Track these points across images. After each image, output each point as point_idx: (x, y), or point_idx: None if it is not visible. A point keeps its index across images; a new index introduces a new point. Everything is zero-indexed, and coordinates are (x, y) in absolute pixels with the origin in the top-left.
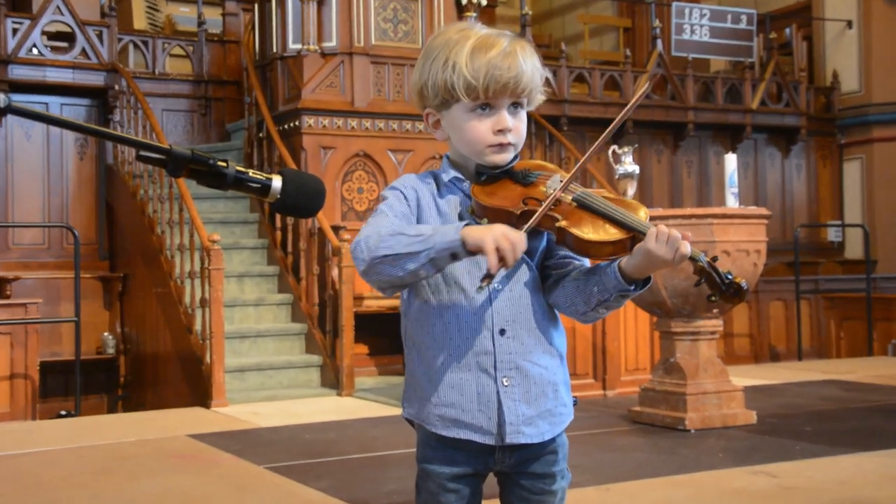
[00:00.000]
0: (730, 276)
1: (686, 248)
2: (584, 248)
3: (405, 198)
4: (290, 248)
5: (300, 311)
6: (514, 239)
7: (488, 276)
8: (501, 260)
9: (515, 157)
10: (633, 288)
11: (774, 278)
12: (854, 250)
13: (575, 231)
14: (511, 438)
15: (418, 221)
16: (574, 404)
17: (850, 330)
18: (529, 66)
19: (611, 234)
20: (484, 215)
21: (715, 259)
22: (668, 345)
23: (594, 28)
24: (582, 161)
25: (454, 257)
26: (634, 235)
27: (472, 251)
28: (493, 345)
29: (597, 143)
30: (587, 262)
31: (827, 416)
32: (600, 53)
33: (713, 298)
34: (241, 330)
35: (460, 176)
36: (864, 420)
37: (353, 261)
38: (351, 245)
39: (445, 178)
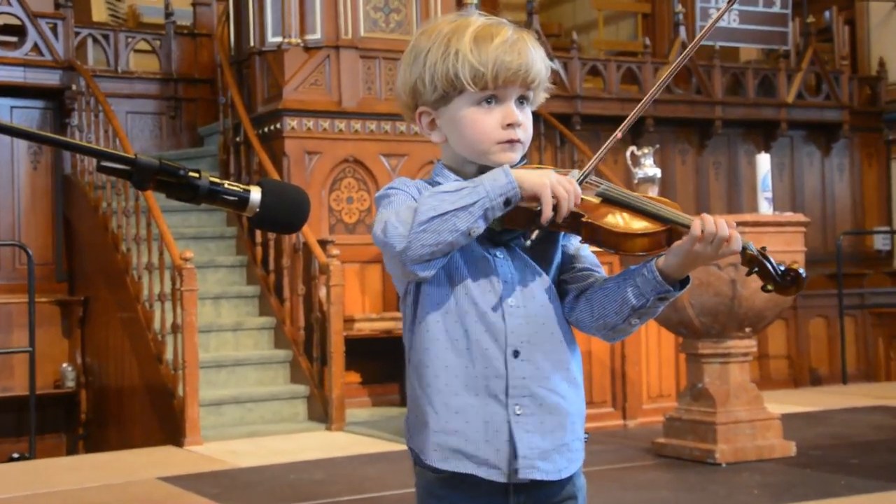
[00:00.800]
0: (782, 266)
1: (736, 242)
2: (617, 241)
3: (411, 196)
4: (272, 266)
5: (284, 336)
6: (569, 187)
7: (539, 227)
8: (555, 209)
9: (523, 158)
10: (672, 289)
11: (815, 292)
12: None
13: (605, 224)
14: (525, 474)
15: None
16: (585, 440)
17: None
18: (538, 55)
19: (645, 226)
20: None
21: (764, 248)
22: (695, 368)
23: (609, 15)
24: (600, 153)
25: (507, 203)
26: (671, 228)
27: (527, 197)
28: (506, 368)
29: (623, 126)
30: (605, 275)
31: (876, 447)
32: (616, 43)
33: (768, 288)
34: (218, 358)
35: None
36: None
37: (382, 248)
38: (375, 233)
39: (444, 183)
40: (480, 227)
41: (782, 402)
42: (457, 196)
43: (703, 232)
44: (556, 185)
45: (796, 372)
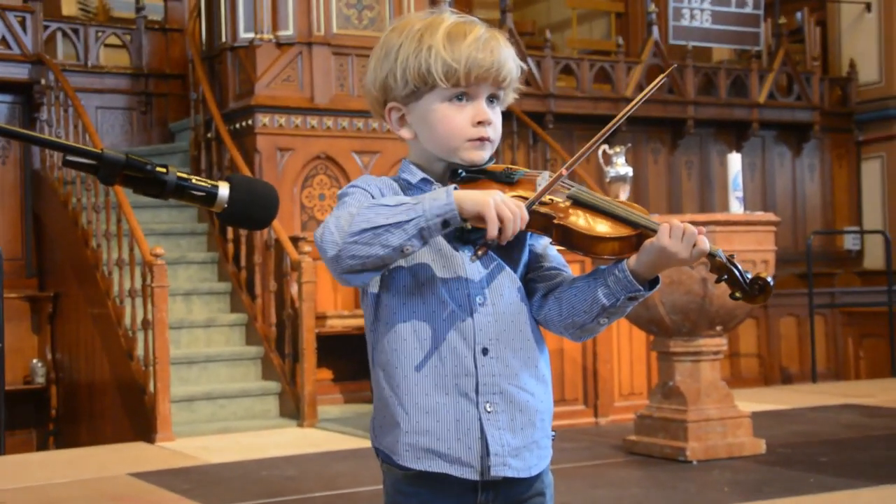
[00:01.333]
0: (749, 274)
1: (704, 243)
2: (588, 244)
3: (371, 196)
4: (243, 263)
5: (255, 332)
6: (514, 208)
7: (484, 246)
8: (500, 231)
9: (492, 158)
10: (643, 289)
11: (785, 291)
12: (874, 260)
13: (576, 227)
14: (497, 471)
15: None
16: (553, 438)
17: (871, 348)
18: (510, 54)
19: (616, 230)
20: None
21: (732, 256)
22: (666, 367)
23: (583, 13)
24: (574, 161)
25: (445, 225)
26: (641, 233)
27: (469, 217)
28: (475, 366)
29: (590, 145)
30: (572, 274)
31: (845, 445)
32: (590, 42)
33: (737, 296)
34: (189, 355)
35: (429, 178)
36: (887, 449)
37: (319, 251)
38: (315, 235)
39: (412, 179)
40: (416, 246)
41: (753, 401)
42: (393, 211)
43: (670, 233)
44: (501, 206)
45: (767, 370)
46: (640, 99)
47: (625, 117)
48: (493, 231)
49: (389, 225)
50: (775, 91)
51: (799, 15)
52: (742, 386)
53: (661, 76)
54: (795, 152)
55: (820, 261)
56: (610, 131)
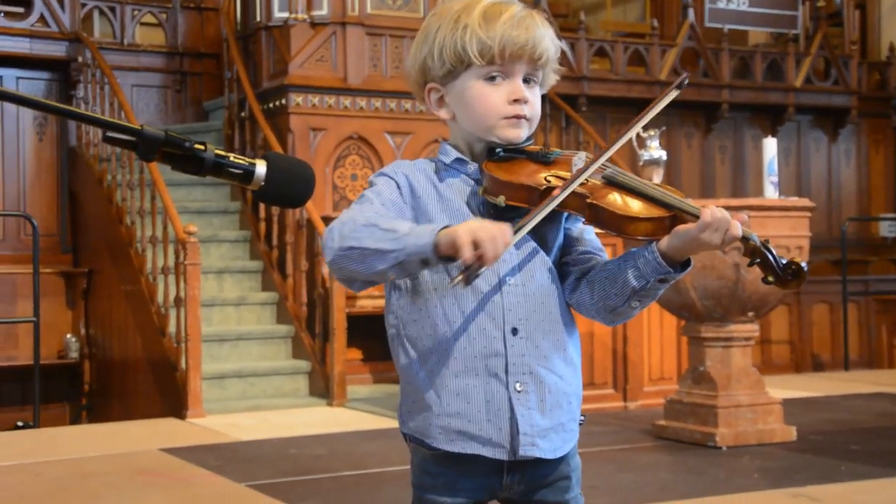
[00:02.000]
0: (784, 259)
1: (737, 229)
2: (620, 224)
3: (397, 185)
4: (275, 242)
5: (286, 311)
6: (493, 231)
7: (465, 271)
8: (480, 258)
9: (529, 138)
10: (673, 271)
11: (819, 278)
12: None
13: (609, 206)
14: (525, 451)
15: (417, 209)
16: (581, 422)
17: None
18: (546, 33)
19: (649, 211)
20: (500, 192)
21: (767, 241)
22: (697, 352)
23: None
24: (613, 148)
25: (424, 263)
26: (676, 215)
27: (447, 254)
28: (505, 346)
29: (623, 138)
30: (607, 258)
31: (877, 434)
32: (624, 24)
33: (770, 280)
34: (221, 332)
35: (464, 158)
36: None
37: (322, 248)
38: (325, 230)
39: (446, 160)
40: (398, 275)
41: (784, 388)
42: (384, 236)
43: (711, 219)
44: (477, 230)
45: (798, 357)
46: (653, 108)
47: (640, 125)
48: (466, 255)
49: (375, 250)
50: (812, 75)
51: None
52: (773, 373)
53: (677, 81)
54: (831, 137)
55: (854, 247)
56: (624, 140)
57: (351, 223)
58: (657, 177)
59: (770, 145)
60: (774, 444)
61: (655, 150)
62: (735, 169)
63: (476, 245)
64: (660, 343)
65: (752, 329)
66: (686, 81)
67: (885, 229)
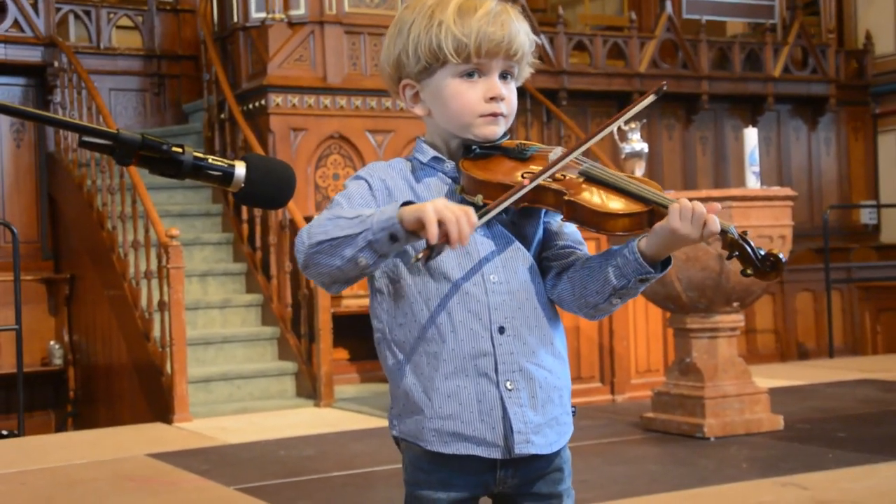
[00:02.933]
0: (762, 251)
1: (714, 223)
2: (597, 220)
3: (369, 187)
4: (258, 243)
5: (271, 313)
6: (458, 211)
7: (428, 249)
8: (445, 236)
9: (506, 134)
10: (653, 270)
11: (801, 266)
12: (891, 234)
13: (587, 203)
14: (520, 449)
15: None
16: (573, 414)
17: (888, 323)
18: (522, 28)
19: (627, 206)
20: (477, 192)
21: (745, 232)
22: (683, 343)
23: None
24: (587, 144)
25: (393, 239)
26: (653, 209)
27: (411, 228)
28: (493, 345)
29: (596, 135)
30: (587, 252)
31: (863, 421)
32: (602, 18)
33: (748, 273)
34: (206, 335)
35: (441, 156)
36: None
37: (296, 254)
38: (296, 238)
39: (423, 158)
40: (369, 260)
41: (770, 377)
42: (350, 223)
43: (680, 213)
44: (442, 210)
45: (783, 346)
46: (629, 110)
47: (615, 125)
48: (431, 233)
49: (344, 237)
50: (790, 64)
51: None
52: (759, 362)
53: (656, 87)
54: (811, 126)
55: (836, 235)
56: (599, 137)
57: (317, 223)
58: (639, 170)
59: (751, 135)
60: (762, 433)
61: (637, 142)
62: (716, 160)
63: (441, 223)
64: (646, 335)
65: (737, 319)
66: (664, 88)
67: (865, 216)
